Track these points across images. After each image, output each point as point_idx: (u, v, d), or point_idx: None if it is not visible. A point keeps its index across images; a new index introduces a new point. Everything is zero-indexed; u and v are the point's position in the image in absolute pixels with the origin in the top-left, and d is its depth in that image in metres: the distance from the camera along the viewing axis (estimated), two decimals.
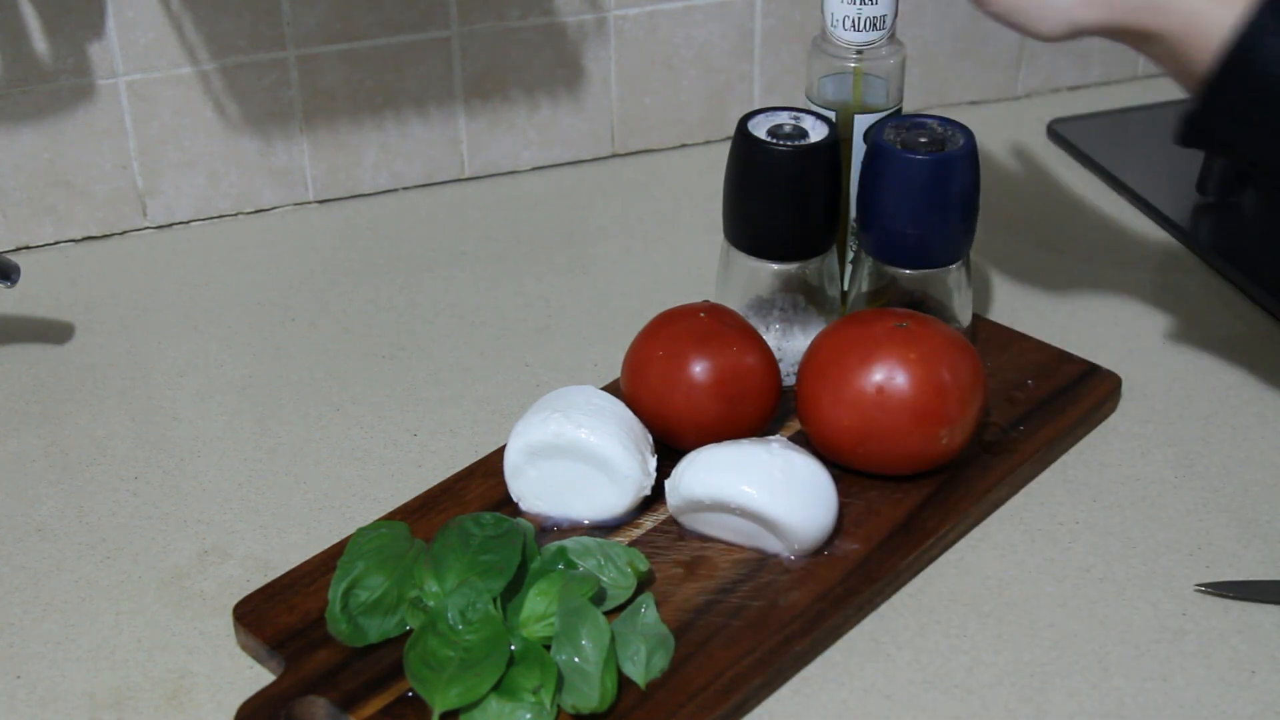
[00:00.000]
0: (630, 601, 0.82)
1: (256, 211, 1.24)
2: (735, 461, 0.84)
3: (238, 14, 1.16)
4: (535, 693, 0.75)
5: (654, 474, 0.88)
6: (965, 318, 1.01)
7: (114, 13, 1.13)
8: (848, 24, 0.98)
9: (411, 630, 0.79)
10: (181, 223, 1.22)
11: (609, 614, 0.80)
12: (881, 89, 1.01)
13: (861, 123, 1.00)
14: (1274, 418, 0.99)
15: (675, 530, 0.88)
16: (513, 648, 0.77)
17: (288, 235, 1.21)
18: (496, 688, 0.75)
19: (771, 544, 0.85)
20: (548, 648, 0.77)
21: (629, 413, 0.89)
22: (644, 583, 0.83)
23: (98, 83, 1.15)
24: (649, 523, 0.88)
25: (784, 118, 0.97)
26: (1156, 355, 1.05)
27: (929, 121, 0.97)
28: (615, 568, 0.82)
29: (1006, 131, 1.35)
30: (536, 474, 0.87)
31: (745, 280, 0.99)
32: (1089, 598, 0.85)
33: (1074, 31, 0.86)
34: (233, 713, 0.77)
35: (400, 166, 1.26)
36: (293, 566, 0.85)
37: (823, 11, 0.99)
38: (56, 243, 1.19)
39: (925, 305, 0.99)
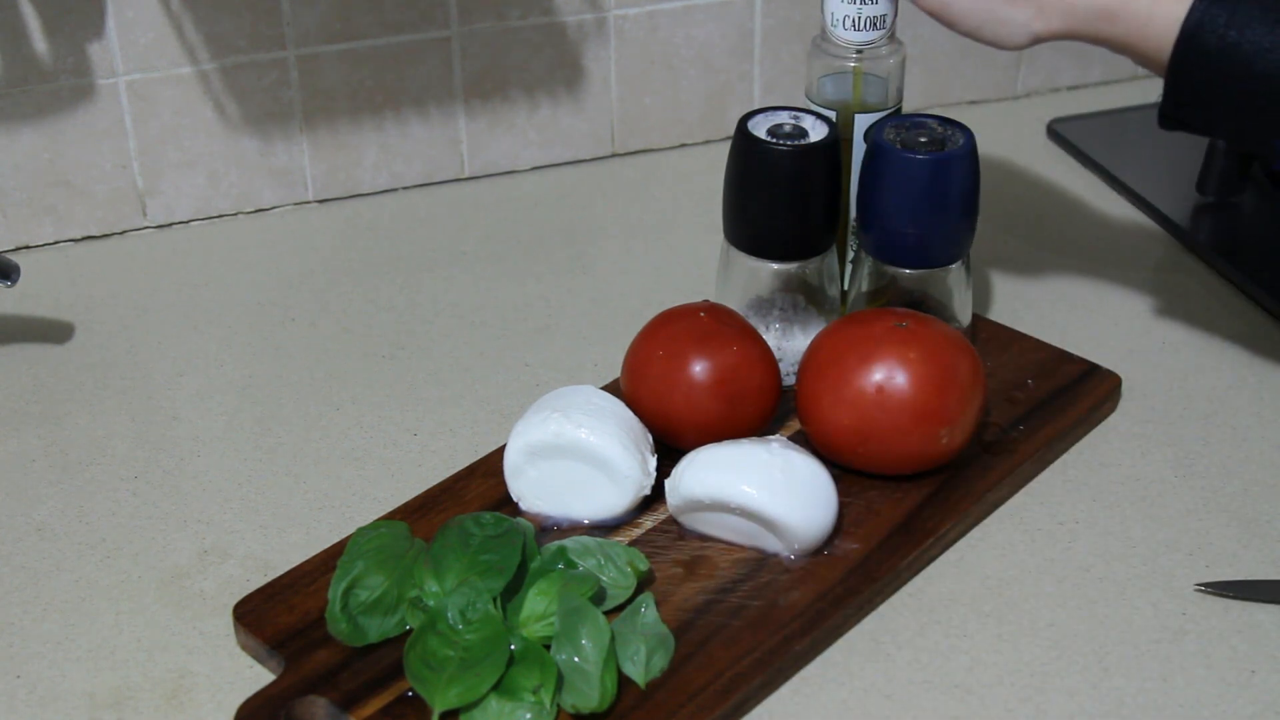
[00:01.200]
0: (630, 601, 0.82)
1: (256, 211, 1.24)
2: (735, 461, 0.84)
3: (238, 14, 1.16)
4: (535, 692, 0.75)
5: (654, 474, 0.88)
6: (965, 318, 1.01)
7: (114, 13, 1.13)
8: (848, 24, 0.98)
9: (411, 630, 0.79)
10: (181, 223, 1.22)
11: (609, 614, 0.80)
12: (881, 88, 1.01)
13: (861, 122, 1.00)
14: (1274, 418, 0.99)
15: (675, 530, 0.88)
16: (513, 647, 0.77)
17: (288, 235, 1.21)
18: (496, 687, 0.75)
19: (771, 544, 0.85)
20: (548, 647, 0.77)
21: (629, 413, 0.89)
22: (644, 582, 0.83)
23: (98, 83, 1.15)
24: (649, 522, 0.88)
25: (784, 117, 0.97)
26: (1156, 355, 1.05)
27: (929, 121, 0.97)
28: (615, 567, 0.82)
29: (1006, 131, 1.35)
30: (536, 474, 0.87)
31: (745, 280, 0.99)
32: (1089, 598, 0.85)
33: (1035, 41, 0.93)
34: (233, 713, 0.77)
35: (400, 166, 1.26)
36: (293, 566, 0.85)
37: (823, 11, 0.99)
38: (56, 243, 1.19)
39: (925, 305, 0.99)
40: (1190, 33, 0.87)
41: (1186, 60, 0.88)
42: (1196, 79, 0.88)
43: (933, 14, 0.94)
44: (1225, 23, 0.86)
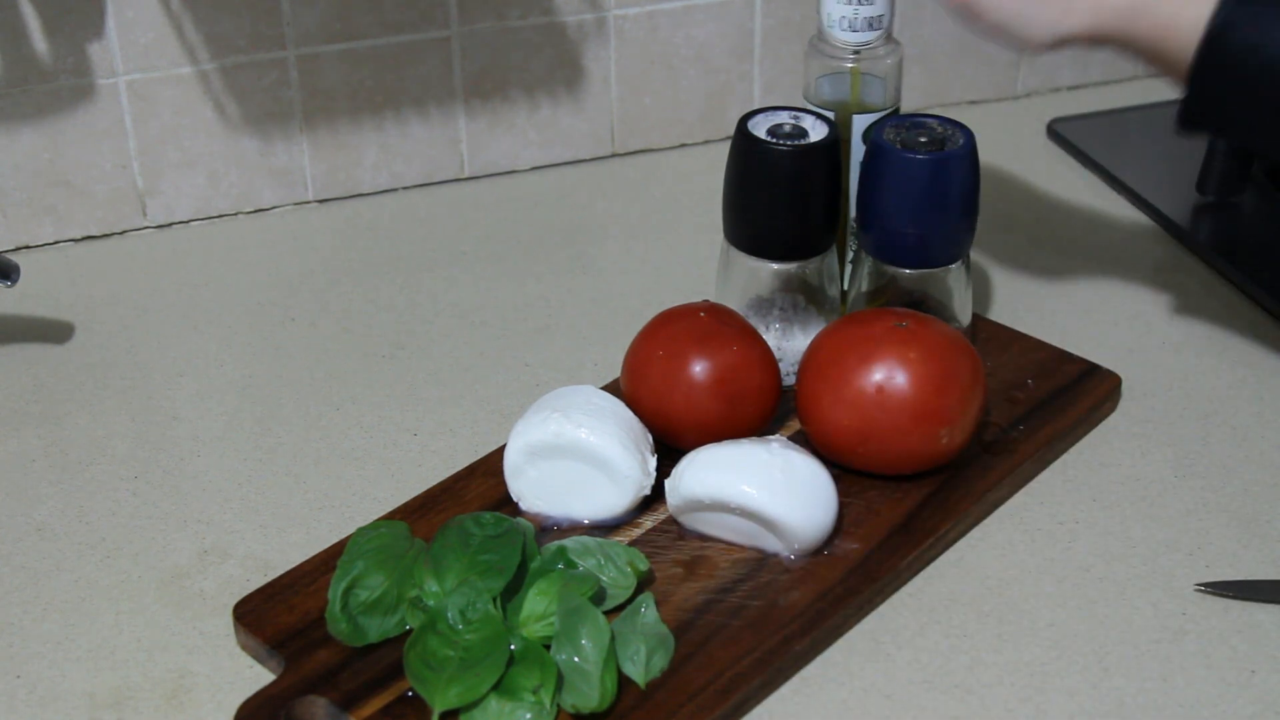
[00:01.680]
0: (630, 601, 0.82)
1: (256, 211, 1.24)
2: (735, 461, 0.84)
3: (238, 14, 1.16)
4: (535, 692, 0.75)
5: (654, 474, 0.88)
6: (965, 318, 1.01)
7: (114, 13, 1.13)
8: (845, 24, 0.98)
9: (411, 630, 0.79)
10: (181, 222, 1.22)
11: (609, 614, 0.80)
12: (879, 89, 1.01)
13: (859, 123, 1.00)
14: (1274, 418, 0.99)
15: (675, 530, 0.88)
16: (513, 647, 0.77)
17: (288, 235, 1.21)
18: (496, 687, 0.75)
19: (771, 544, 0.85)
20: (548, 647, 0.78)
21: (629, 413, 0.89)
22: (644, 582, 0.83)
23: (98, 83, 1.15)
24: (649, 522, 0.88)
25: (784, 117, 0.97)
26: (1156, 355, 1.05)
27: (928, 121, 0.97)
28: (615, 567, 0.82)
29: (1006, 131, 1.35)
30: (536, 474, 0.87)
31: (745, 280, 0.99)
32: (1089, 598, 0.85)
33: (1060, 41, 0.91)
34: (233, 713, 0.77)
35: (400, 166, 1.26)
36: (293, 566, 0.85)
37: (819, 12, 0.99)
38: (56, 243, 1.19)
39: (925, 305, 0.99)
40: (1216, 33, 0.86)
41: (1211, 61, 0.86)
42: (1220, 81, 0.87)
43: (960, 5, 0.92)
44: (1251, 24, 0.85)
